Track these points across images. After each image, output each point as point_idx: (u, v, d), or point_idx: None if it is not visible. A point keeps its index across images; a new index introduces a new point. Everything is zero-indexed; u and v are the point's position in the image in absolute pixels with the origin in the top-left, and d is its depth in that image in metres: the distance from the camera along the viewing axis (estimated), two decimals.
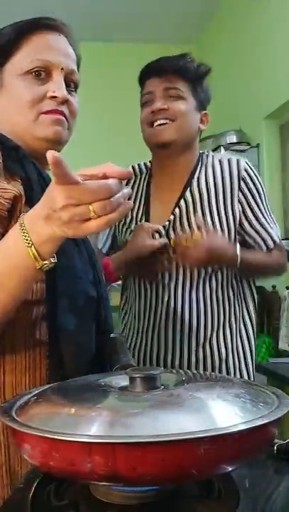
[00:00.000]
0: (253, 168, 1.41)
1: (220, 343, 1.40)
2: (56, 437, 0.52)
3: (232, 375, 1.41)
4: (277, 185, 3.49)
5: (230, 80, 4.08)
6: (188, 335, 1.38)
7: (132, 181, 1.49)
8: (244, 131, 3.79)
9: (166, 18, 4.28)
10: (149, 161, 1.51)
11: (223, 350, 1.40)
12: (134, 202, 1.45)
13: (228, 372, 1.40)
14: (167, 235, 1.38)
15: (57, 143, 0.94)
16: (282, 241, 3.24)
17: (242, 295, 1.46)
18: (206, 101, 1.43)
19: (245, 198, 1.37)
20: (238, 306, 1.45)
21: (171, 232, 1.38)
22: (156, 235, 1.37)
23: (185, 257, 1.31)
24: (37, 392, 0.69)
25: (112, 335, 0.99)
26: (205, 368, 1.39)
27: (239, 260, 1.33)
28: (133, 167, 1.51)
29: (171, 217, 1.38)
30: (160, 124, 1.32)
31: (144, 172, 1.49)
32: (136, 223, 1.42)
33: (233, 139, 3.79)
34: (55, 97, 0.93)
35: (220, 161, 1.40)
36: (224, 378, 0.79)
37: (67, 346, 0.86)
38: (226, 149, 3.71)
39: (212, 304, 1.40)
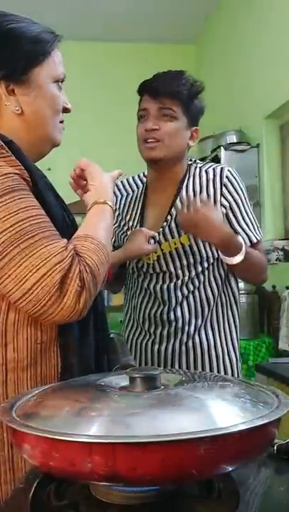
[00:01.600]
0: (235, 174, 1.51)
1: (202, 338, 1.50)
2: (56, 437, 0.52)
3: (215, 368, 1.51)
4: (277, 185, 3.49)
5: (230, 80, 4.08)
6: (175, 328, 1.50)
7: (130, 196, 1.63)
8: (244, 131, 3.79)
9: (166, 18, 4.28)
10: (144, 175, 1.64)
11: (205, 344, 1.50)
12: (132, 211, 1.59)
13: (213, 365, 1.51)
14: (159, 240, 1.50)
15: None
16: (282, 241, 3.27)
17: (227, 296, 1.55)
18: (199, 116, 1.52)
19: (228, 201, 1.47)
20: (222, 305, 1.54)
21: (162, 237, 1.49)
22: (152, 241, 1.48)
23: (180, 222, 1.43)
24: (37, 392, 0.69)
25: (111, 335, 0.99)
26: (195, 357, 1.50)
27: (244, 251, 1.39)
28: (130, 180, 1.65)
29: (164, 223, 1.50)
30: (151, 142, 1.45)
31: (140, 186, 1.61)
32: (131, 229, 1.57)
33: (233, 139, 3.78)
34: (67, 109, 1.03)
35: (206, 171, 1.52)
36: (224, 378, 0.79)
37: (68, 337, 0.89)
38: (225, 149, 3.71)
39: (196, 301, 1.50)
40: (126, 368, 0.69)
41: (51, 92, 0.98)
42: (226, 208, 1.46)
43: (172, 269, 1.49)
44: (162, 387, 0.63)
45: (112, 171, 1.06)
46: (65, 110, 1.03)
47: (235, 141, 3.76)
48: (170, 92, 1.42)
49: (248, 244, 1.47)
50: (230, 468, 0.55)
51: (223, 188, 1.47)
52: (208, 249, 1.47)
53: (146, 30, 4.43)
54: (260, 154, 3.56)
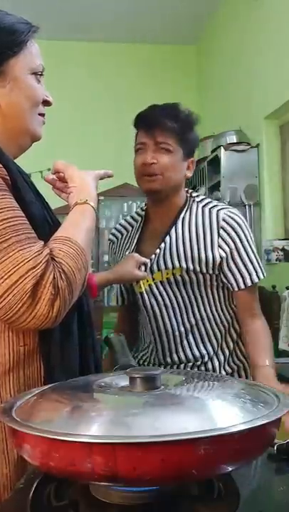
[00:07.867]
0: (233, 215, 1.49)
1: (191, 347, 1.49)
2: (56, 437, 0.52)
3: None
4: (277, 185, 3.50)
5: (230, 80, 4.08)
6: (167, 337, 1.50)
7: (128, 233, 1.64)
8: (244, 131, 3.79)
9: (166, 18, 4.28)
10: (142, 209, 1.66)
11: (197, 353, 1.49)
12: (129, 244, 1.60)
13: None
14: (151, 268, 1.50)
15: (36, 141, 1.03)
16: (282, 241, 3.26)
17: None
18: (194, 147, 1.54)
19: (228, 246, 1.46)
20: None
21: (155, 266, 1.50)
22: (142, 267, 1.49)
23: None
24: (37, 392, 0.69)
25: (111, 335, 0.99)
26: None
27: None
28: (128, 219, 1.67)
29: (157, 251, 1.50)
30: (150, 176, 1.47)
31: (138, 220, 1.63)
32: None
33: (233, 139, 3.79)
34: (48, 101, 1.01)
35: (202, 209, 1.52)
36: (224, 378, 0.79)
37: (49, 339, 0.87)
38: (225, 149, 3.71)
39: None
40: (126, 367, 0.69)
41: (28, 83, 0.96)
42: (226, 252, 1.45)
43: (165, 296, 1.49)
44: (162, 387, 0.63)
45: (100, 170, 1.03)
46: (46, 103, 1.01)
47: (235, 141, 3.76)
48: (164, 128, 1.44)
49: (242, 286, 1.45)
50: (230, 468, 0.55)
51: (221, 230, 1.46)
52: (200, 277, 1.46)
53: (147, 30, 4.43)
54: (260, 154, 3.57)
